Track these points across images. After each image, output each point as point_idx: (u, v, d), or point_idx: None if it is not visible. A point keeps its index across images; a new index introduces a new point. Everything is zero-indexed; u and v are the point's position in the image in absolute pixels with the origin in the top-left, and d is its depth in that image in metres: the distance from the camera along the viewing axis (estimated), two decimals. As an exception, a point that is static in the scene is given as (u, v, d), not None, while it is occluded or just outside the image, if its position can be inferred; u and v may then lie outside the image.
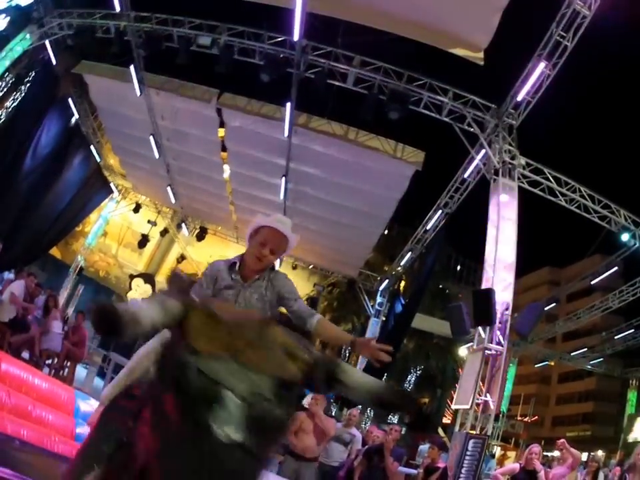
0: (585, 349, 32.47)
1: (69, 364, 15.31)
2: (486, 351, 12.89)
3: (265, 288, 4.20)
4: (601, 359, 31.63)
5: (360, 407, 13.33)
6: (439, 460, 11.12)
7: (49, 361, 14.75)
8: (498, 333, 13.02)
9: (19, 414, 5.69)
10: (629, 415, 31.91)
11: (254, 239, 4.18)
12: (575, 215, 16.64)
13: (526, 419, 46.38)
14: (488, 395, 12.76)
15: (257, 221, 4.26)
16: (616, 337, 28.92)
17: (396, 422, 36.40)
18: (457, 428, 13.29)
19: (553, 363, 39.00)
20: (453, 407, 14.36)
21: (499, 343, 13.02)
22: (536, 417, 51.54)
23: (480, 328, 13.37)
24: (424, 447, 12.24)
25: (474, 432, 12.27)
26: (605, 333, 30.87)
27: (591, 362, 31.84)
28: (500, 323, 13.05)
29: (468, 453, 11.78)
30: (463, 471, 11.59)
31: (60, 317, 15.52)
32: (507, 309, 13.22)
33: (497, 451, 27.56)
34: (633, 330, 26.76)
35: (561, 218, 17.64)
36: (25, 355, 13.96)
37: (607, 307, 24.21)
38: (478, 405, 12.63)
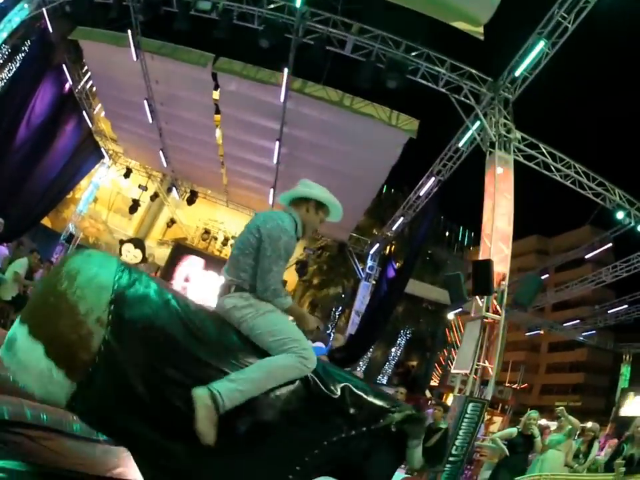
0: (577, 321, 32.71)
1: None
2: (484, 319, 13.19)
3: None
4: (593, 332, 31.92)
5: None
6: (441, 421, 11.26)
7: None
8: (495, 302, 13.32)
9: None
10: (621, 388, 32.10)
11: (318, 212, 4.35)
12: (567, 189, 16.76)
13: (514, 386, 46.73)
14: (486, 361, 13.10)
15: (322, 192, 4.40)
16: (609, 311, 29.16)
17: (385, 383, 37.01)
18: (455, 390, 13.85)
19: (542, 332, 39.26)
20: (453, 371, 14.62)
21: (496, 312, 13.36)
22: (525, 385, 51.96)
23: (477, 297, 13.69)
24: (430, 411, 12.48)
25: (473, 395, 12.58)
26: (598, 307, 31.11)
27: (583, 334, 32.10)
28: (496, 292, 13.34)
29: (467, 415, 12.13)
30: (461, 432, 11.99)
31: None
32: (503, 279, 13.53)
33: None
34: (626, 305, 26.98)
35: (552, 190, 17.73)
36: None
37: (600, 281, 24.39)
38: (476, 370, 12.95)
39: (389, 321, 24.75)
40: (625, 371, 31.73)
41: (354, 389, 4.00)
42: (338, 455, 3.88)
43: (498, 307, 13.40)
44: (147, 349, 3.52)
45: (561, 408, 11.23)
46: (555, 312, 47.10)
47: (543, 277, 25.72)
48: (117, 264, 3.77)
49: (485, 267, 13.26)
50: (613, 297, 29.48)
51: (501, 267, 13.58)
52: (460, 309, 25.97)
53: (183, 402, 3.40)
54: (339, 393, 3.91)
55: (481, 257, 13.96)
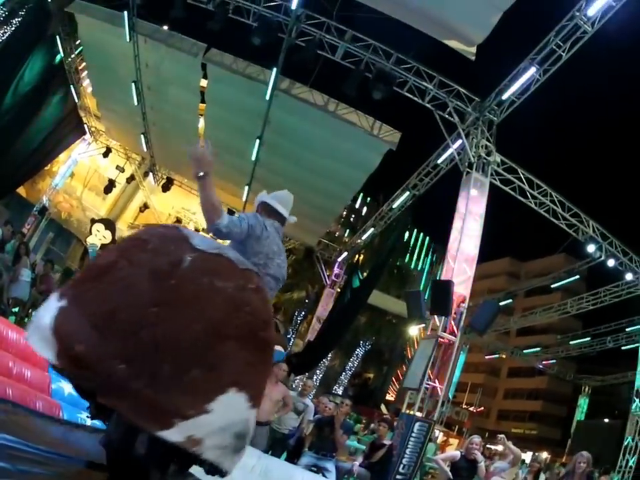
0: (539, 348, 32.90)
1: (34, 313, 15.15)
2: (439, 339, 13.17)
3: None
4: (554, 361, 32.12)
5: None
6: (385, 438, 11.28)
7: (16, 309, 14.53)
8: (452, 323, 13.33)
9: (2, 372, 5.60)
10: (577, 420, 32.33)
11: (270, 215, 4.42)
12: (544, 216, 16.88)
13: (471, 408, 46.85)
14: (436, 381, 13.08)
15: (268, 195, 4.56)
16: (571, 342, 29.37)
17: (340, 394, 36.96)
18: (404, 408, 13.62)
19: (504, 356, 39.42)
20: (403, 386, 14.62)
21: (452, 333, 13.34)
22: (482, 408, 52.16)
23: (435, 316, 13.65)
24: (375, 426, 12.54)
25: (421, 415, 12.58)
26: (561, 336, 31.31)
27: (544, 362, 32.29)
28: (455, 314, 13.36)
29: (413, 434, 12.06)
30: (407, 451, 11.90)
31: (29, 264, 15.35)
32: (463, 302, 13.52)
33: (440, 436, 27.95)
34: (589, 338, 27.18)
35: (530, 213, 17.88)
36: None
37: (565, 311, 24.57)
38: (426, 389, 12.94)
39: (349, 330, 24.73)
40: (583, 402, 31.99)
41: None
42: None
43: (455, 328, 13.36)
44: None
45: (502, 436, 11.23)
46: (519, 337, 47.32)
47: (510, 301, 25.95)
48: None
49: (445, 287, 13.29)
50: (579, 328, 29.72)
51: (463, 288, 13.59)
52: (424, 325, 26.08)
53: None
54: None
55: (443, 277, 14.01)
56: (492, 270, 56.69)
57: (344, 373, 42.86)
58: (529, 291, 33.92)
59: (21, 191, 27.30)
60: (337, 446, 9.86)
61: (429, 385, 12.99)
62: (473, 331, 14.84)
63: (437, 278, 14.75)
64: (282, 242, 4.35)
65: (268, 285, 3.95)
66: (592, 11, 12.22)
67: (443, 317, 13.32)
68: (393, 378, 45.86)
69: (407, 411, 13.25)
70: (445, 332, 13.24)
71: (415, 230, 50.14)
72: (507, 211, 19.14)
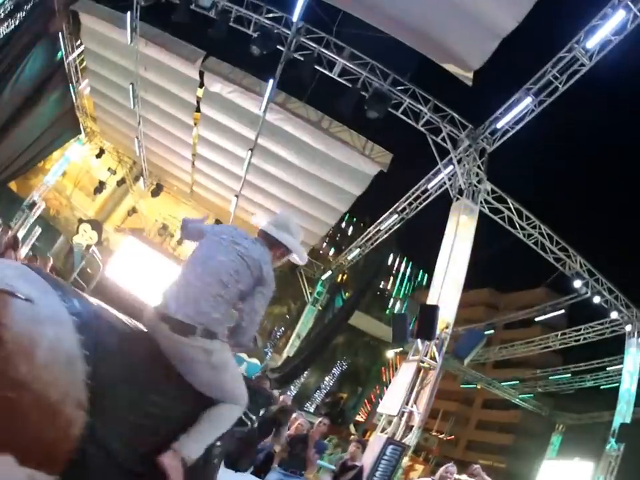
0: (517, 382, 32.74)
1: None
2: (420, 363, 13.08)
3: None
4: (531, 395, 31.99)
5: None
6: (357, 459, 11.08)
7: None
8: (434, 348, 13.21)
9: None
10: (548, 457, 32.10)
11: (281, 258, 4.14)
12: (528, 246, 16.83)
13: (441, 436, 46.67)
14: (415, 406, 12.90)
15: (297, 244, 4.16)
16: (550, 377, 29.25)
17: (312, 412, 36.75)
18: (377, 431, 13.39)
19: (479, 387, 39.24)
20: (379, 410, 14.34)
21: (433, 358, 13.23)
22: (452, 436, 51.99)
23: (419, 340, 13.52)
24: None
25: (395, 438, 12.44)
26: (540, 371, 31.16)
27: (520, 396, 32.14)
28: (438, 339, 13.25)
29: (385, 457, 11.95)
30: (377, 474, 11.76)
31: (17, 258, 15.19)
32: (446, 327, 13.42)
33: (405, 460, 27.71)
34: (569, 375, 27.09)
35: (513, 244, 17.85)
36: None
37: (546, 346, 24.52)
38: (403, 413, 12.79)
39: (327, 349, 24.60)
40: (556, 440, 31.69)
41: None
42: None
43: (436, 354, 13.27)
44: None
45: (477, 466, 11.09)
46: (495, 369, 47.16)
47: (488, 332, 25.82)
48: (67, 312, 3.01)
49: (432, 311, 13.21)
50: (559, 363, 29.62)
51: (447, 314, 13.48)
52: (401, 349, 25.92)
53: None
54: None
55: (429, 302, 13.84)
56: (471, 299, 56.54)
57: (318, 391, 42.74)
58: (507, 323, 33.81)
59: (13, 185, 27.24)
60: (307, 464, 9.68)
61: (405, 409, 12.82)
62: (456, 357, 14.72)
63: (422, 303, 14.56)
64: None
65: None
66: (591, 43, 12.26)
67: (426, 342, 13.24)
68: (366, 400, 45.73)
69: (380, 433, 13.04)
70: (426, 357, 13.15)
71: (399, 254, 50.16)
72: (491, 241, 19.10)
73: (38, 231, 25.05)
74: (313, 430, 10.20)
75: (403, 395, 12.81)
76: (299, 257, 4.15)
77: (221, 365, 3.54)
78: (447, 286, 13.69)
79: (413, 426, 12.78)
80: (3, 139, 19.18)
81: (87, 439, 2.89)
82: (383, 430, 13.08)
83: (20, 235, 23.14)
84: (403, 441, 12.58)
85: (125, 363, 3.13)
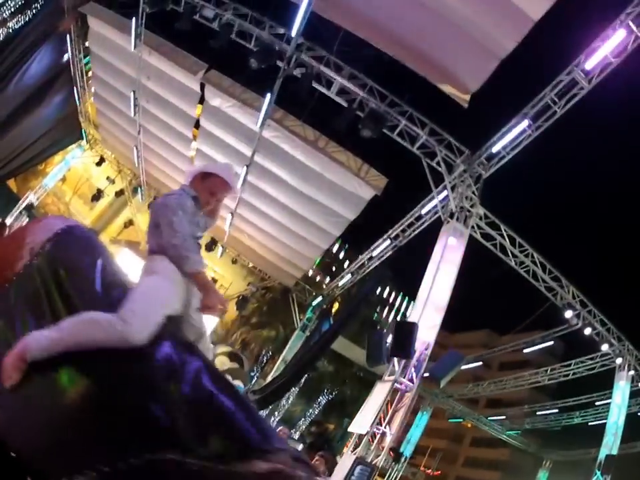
0: (504, 417, 32.57)
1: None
2: (396, 384, 12.81)
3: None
4: (519, 432, 31.83)
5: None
6: (322, 473, 10.69)
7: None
8: (412, 369, 12.97)
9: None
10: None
11: (203, 183, 4.18)
12: (524, 284, 16.74)
13: (428, 471, 46.38)
14: (388, 427, 12.65)
15: (207, 165, 4.35)
16: (538, 413, 29.13)
17: (296, 439, 36.46)
18: (348, 450, 13.08)
19: (469, 425, 39.02)
20: (349, 429, 14.06)
21: (411, 380, 12.96)
22: (438, 472, 51.61)
23: (395, 360, 13.20)
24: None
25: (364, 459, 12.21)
26: (528, 406, 31.05)
27: (507, 432, 31.98)
28: (417, 361, 13.00)
29: (353, 477, 11.63)
30: (344, 494, 11.40)
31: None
32: (426, 349, 13.16)
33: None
34: (557, 410, 26.97)
35: (506, 281, 17.72)
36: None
37: (535, 381, 24.39)
38: (375, 435, 12.56)
39: (312, 371, 24.33)
40: (542, 476, 31.62)
41: None
42: None
43: (414, 375, 12.97)
44: None
45: None
46: (487, 408, 46.96)
47: (483, 371, 25.62)
48: None
49: (408, 328, 12.89)
50: (548, 401, 29.47)
51: (428, 334, 13.19)
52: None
53: None
54: None
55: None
56: (469, 340, 56.56)
57: (303, 419, 42.44)
58: (503, 364, 33.69)
59: (13, 185, 27.34)
60: None
61: (378, 429, 12.58)
62: (431, 377, 14.38)
63: (398, 320, 14.31)
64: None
65: None
66: (590, 64, 12.12)
67: (403, 362, 12.93)
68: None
69: (350, 453, 12.70)
70: (403, 377, 12.87)
71: (391, 285, 50.11)
72: (485, 276, 19.03)
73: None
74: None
75: (373, 414, 12.52)
76: (227, 178, 4.24)
77: (145, 271, 3.67)
78: (429, 308, 13.43)
79: (384, 447, 12.55)
80: (4, 135, 19.19)
81: None
82: (354, 450, 12.74)
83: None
84: (374, 462, 12.30)
85: None
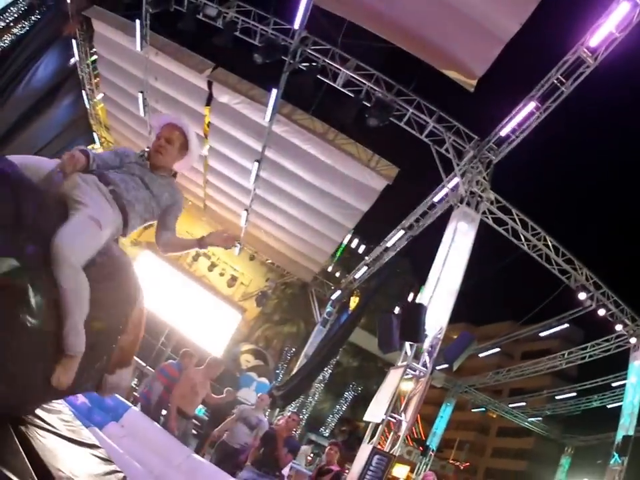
0: (524, 404, 32.44)
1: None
2: (409, 370, 12.70)
3: (165, 190, 4.22)
4: (540, 419, 31.70)
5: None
6: (333, 463, 10.63)
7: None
8: (426, 354, 12.85)
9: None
10: (557, 479, 31.76)
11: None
12: (538, 271, 16.70)
13: (457, 464, 46.27)
14: (403, 414, 12.58)
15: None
16: (557, 397, 29.00)
17: (327, 436, 36.44)
18: (365, 441, 12.87)
19: (494, 416, 38.85)
20: (365, 419, 13.79)
21: (424, 365, 12.84)
22: (467, 464, 51.49)
23: (407, 345, 13.02)
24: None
25: (381, 448, 12.17)
26: (547, 392, 30.92)
27: (529, 419, 31.88)
28: (431, 345, 12.89)
29: (371, 467, 11.64)
30: (363, 484, 11.30)
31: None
32: (439, 333, 12.96)
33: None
34: (575, 394, 26.84)
35: (523, 270, 17.66)
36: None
37: (553, 366, 24.28)
38: (391, 423, 12.52)
39: (337, 370, 24.31)
40: (565, 462, 31.47)
41: None
42: None
43: (427, 359, 12.82)
44: None
45: None
46: (511, 396, 46.87)
47: (504, 360, 25.55)
48: None
49: (416, 310, 12.61)
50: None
51: (441, 318, 12.99)
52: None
53: None
54: None
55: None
56: (492, 332, 56.29)
57: (331, 416, 42.37)
58: (525, 353, 33.48)
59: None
60: (279, 464, 9.34)
61: (394, 417, 12.52)
62: (444, 360, 14.02)
63: (406, 303, 14.05)
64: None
65: None
66: (595, 41, 11.96)
67: (415, 346, 12.79)
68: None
69: (367, 443, 12.58)
70: (417, 363, 12.75)
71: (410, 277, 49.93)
72: (500, 264, 19.02)
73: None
74: (280, 425, 9.96)
75: (387, 402, 12.37)
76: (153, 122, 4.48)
77: None
78: (441, 291, 13.23)
79: (399, 436, 12.43)
80: (14, 138, 19.28)
81: None
82: (370, 439, 12.60)
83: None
84: (391, 452, 12.26)
85: None
